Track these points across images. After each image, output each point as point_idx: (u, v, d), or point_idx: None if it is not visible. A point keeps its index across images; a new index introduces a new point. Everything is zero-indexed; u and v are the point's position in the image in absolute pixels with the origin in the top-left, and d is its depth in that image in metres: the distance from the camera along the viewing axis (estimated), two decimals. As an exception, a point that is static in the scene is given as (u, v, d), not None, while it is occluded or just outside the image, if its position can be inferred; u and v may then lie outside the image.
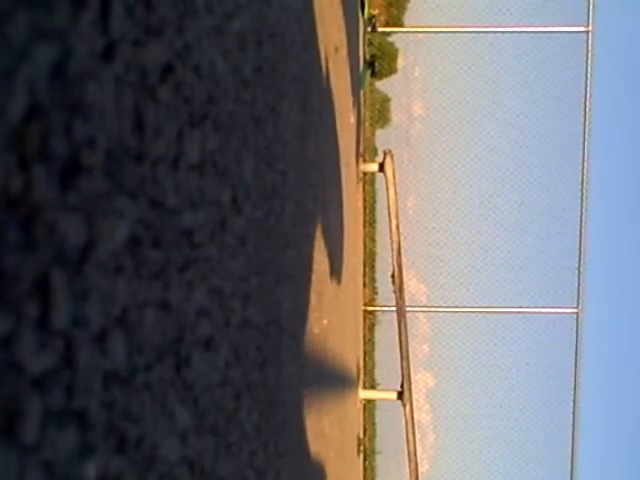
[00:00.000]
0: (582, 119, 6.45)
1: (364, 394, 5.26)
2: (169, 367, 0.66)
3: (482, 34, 7.00)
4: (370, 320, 7.04)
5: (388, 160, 4.30)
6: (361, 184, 5.96)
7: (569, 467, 6.64)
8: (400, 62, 7.53)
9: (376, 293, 7.22)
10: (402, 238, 4.40)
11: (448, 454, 7.38)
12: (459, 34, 7.00)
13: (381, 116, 7.64)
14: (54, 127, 0.45)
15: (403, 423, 4.53)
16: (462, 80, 7.32)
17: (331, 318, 2.66)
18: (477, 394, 7.38)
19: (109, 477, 0.52)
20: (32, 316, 0.42)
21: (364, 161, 5.74)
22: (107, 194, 0.53)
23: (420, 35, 7.29)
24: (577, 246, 6.46)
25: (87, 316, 0.49)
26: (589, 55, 6.37)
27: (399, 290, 4.40)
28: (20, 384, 0.41)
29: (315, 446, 2.03)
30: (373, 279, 7.20)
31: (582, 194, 6.47)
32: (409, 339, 4.51)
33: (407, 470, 4.59)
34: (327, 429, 2.47)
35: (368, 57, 7.08)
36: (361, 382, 5.49)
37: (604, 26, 6.69)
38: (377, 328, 7.27)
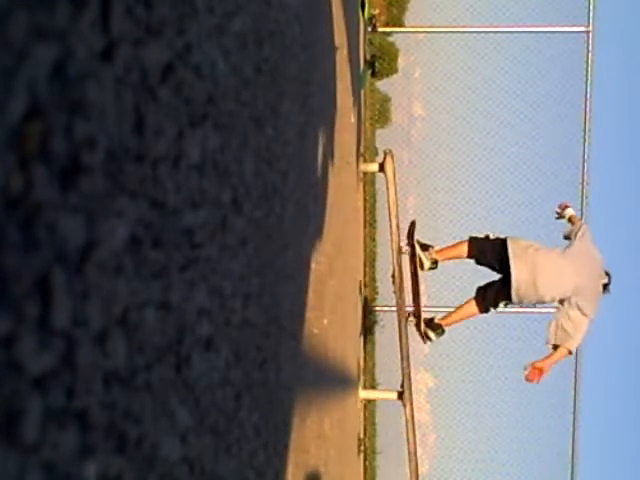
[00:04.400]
0: (582, 119, 6.45)
1: (364, 394, 5.26)
2: (169, 367, 0.66)
3: (482, 34, 7.00)
4: (370, 320, 7.04)
5: (388, 160, 4.30)
6: (361, 184, 5.96)
7: (570, 467, 6.64)
8: (400, 62, 7.54)
9: (376, 293, 7.22)
10: (402, 238, 4.41)
11: (448, 454, 7.38)
12: (459, 34, 7.00)
13: (381, 116, 7.64)
14: (54, 127, 0.45)
15: (403, 423, 4.53)
16: (462, 80, 7.32)
17: (331, 318, 2.66)
18: (477, 394, 7.38)
19: (109, 477, 0.52)
20: (32, 316, 0.42)
21: (364, 161, 5.75)
22: (107, 194, 0.53)
23: (420, 35, 7.29)
24: (577, 246, 6.45)
25: (87, 316, 0.49)
26: (589, 55, 6.37)
27: (399, 290, 4.40)
28: (20, 384, 0.41)
29: (315, 446, 2.03)
30: (373, 279, 7.20)
31: (582, 194, 6.47)
32: (409, 339, 4.51)
33: (407, 470, 4.59)
34: (327, 429, 2.47)
35: (368, 57, 7.08)
36: (361, 382, 5.49)
37: (604, 26, 6.70)
38: (377, 328, 7.27)
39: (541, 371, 4.32)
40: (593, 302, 4.15)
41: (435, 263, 4.39)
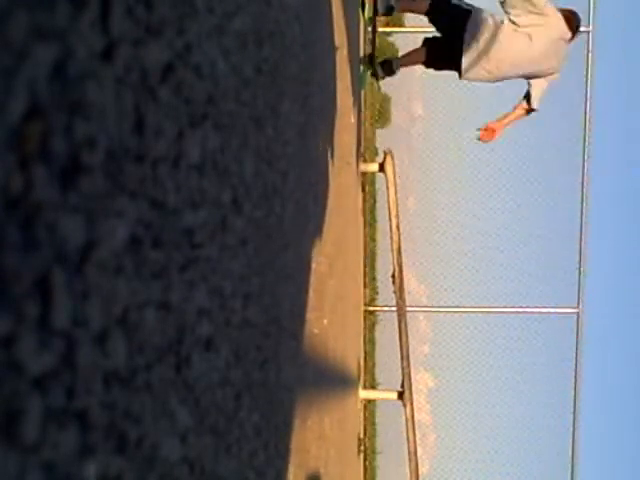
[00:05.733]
0: (582, 119, 6.45)
1: (364, 394, 5.26)
2: (169, 367, 0.66)
3: (482, 34, 6.98)
4: (370, 320, 7.04)
5: (388, 160, 4.30)
6: (361, 184, 5.96)
7: (570, 467, 6.64)
8: (400, 62, 7.52)
9: (376, 293, 7.22)
10: (402, 238, 4.41)
11: (448, 454, 7.38)
12: (459, 34, 6.98)
13: (381, 116, 7.65)
14: (54, 127, 0.45)
15: (403, 423, 4.53)
16: (462, 80, 7.31)
17: (331, 318, 2.66)
18: (477, 394, 7.38)
19: (109, 477, 0.52)
20: (32, 316, 0.42)
21: (364, 161, 5.75)
22: (107, 194, 0.53)
23: (420, 35, 7.29)
24: (577, 246, 6.46)
25: (87, 316, 0.49)
26: (589, 55, 6.38)
27: (399, 290, 4.40)
28: (20, 384, 0.41)
29: (315, 446, 2.04)
30: (373, 279, 7.20)
31: (582, 194, 6.47)
32: (409, 339, 4.51)
33: (407, 470, 4.59)
34: (327, 429, 2.47)
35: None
36: (361, 382, 5.49)
37: (604, 26, 6.70)
38: (377, 328, 7.28)
39: (494, 132, 4.33)
40: (556, 63, 4.10)
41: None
